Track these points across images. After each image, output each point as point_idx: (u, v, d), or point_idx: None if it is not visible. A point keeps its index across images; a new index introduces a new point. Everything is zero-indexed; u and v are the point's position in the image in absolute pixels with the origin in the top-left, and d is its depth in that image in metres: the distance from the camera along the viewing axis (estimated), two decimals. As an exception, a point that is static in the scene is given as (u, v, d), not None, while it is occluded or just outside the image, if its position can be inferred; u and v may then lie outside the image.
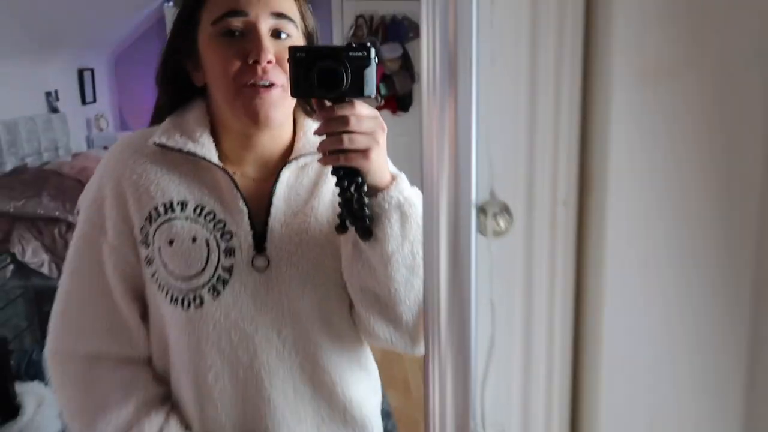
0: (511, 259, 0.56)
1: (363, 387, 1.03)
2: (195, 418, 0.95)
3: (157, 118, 1.02)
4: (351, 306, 0.98)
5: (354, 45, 0.80)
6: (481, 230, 0.55)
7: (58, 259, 3.55)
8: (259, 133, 0.96)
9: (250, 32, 0.91)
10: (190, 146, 0.95)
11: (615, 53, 0.52)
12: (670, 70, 0.54)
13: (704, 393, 0.63)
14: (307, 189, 0.98)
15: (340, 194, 0.85)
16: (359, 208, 0.85)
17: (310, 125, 1.00)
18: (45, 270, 3.46)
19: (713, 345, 0.62)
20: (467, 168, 0.54)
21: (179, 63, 0.99)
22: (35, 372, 2.94)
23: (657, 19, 0.52)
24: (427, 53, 0.52)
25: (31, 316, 3.47)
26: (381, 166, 0.84)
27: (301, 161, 0.98)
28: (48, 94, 4.74)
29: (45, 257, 3.50)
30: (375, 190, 0.85)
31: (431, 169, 0.55)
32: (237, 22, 0.91)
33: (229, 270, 0.92)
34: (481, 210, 0.54)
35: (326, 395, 0.98)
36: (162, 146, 0.96)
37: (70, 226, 3.67)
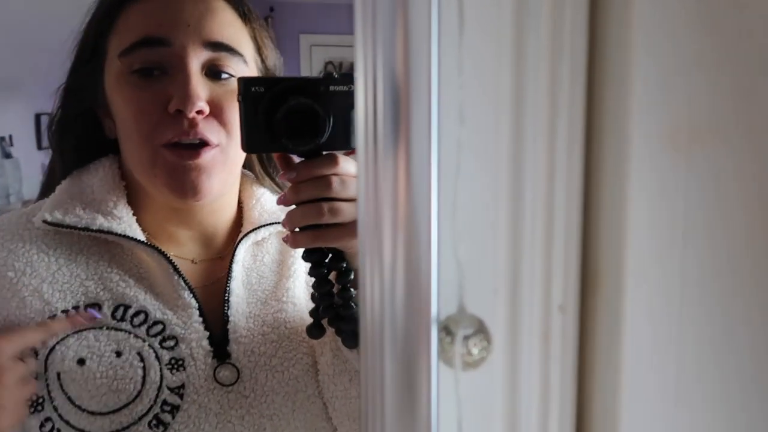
0: (489, 398, 0.39)
1: None
2: None
3: (48, 189, 0.75)
4: None
5: (336, 76, 0.56)
6: (446, 360, 0.38)
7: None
8: (192, 207, 0.73)
9: (174, 69, 0.67)
10: (101, 222, 0.69)
11: (633, 112, 0.37)
12: (706, 132, 0.39)
13: None
14: (273, 269, 0.75)
15: (316, 286, 0.63)
16: (343, 305, 0.62)
17: (264, 190, 0.80)
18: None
19: None
20: (425, 268, 0.37)
21: (83, 108, 0.75)
22: None
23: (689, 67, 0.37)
24: (365, 97, 0.35)
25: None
26: None
27: (258, 234, 0.75)
28: (2, 139, 4.51)
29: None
30: None
31: (371, 261, 0.38)
32: (154, 55, 0.67)
33: (178, 391, 0.66)
34: (445, 330, 0.38)
35: None
36: (56, 225, 0.69)
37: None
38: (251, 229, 0.75)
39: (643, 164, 0.39)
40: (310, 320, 0.66)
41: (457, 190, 0.38)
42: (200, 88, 0.66)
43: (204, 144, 0.67)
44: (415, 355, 0.37)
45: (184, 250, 0.75)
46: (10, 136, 4.59)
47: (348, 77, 0.57)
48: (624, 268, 0.44)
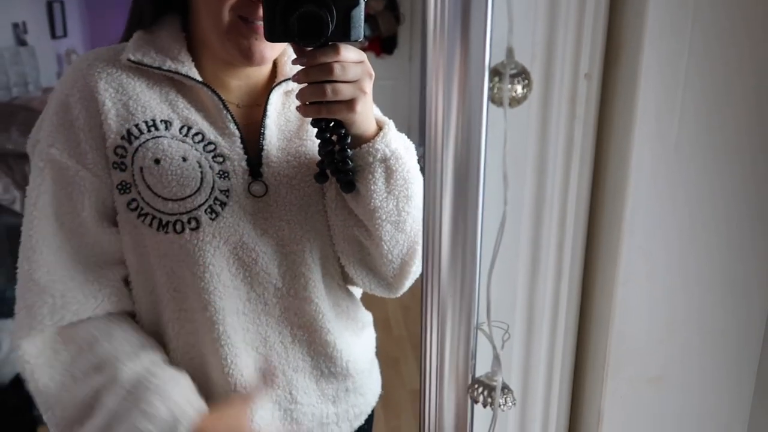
0: (524, 133, 0.49)
1: (358, 338, 0.96)
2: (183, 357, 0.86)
3: (128, 33, 0.87)
4: None
5: None
6: (494, 98, 0.48)
7: (26, 195, 3.43)
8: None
9: None
10: (170, 64, 0.83)
11: None
12: None
13: (723, 288, 0.58)
14: (297, 115, 0.88)
15: (321, 146, 0.77)
16: (341, 161, 0.76)
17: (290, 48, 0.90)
18: (17, 207, 3.34)
19: (737, 229, 0.57)
20: (481, 17, 0.46)
21: None
22: (9, 309, 2.86)
23: None
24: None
25: (3, 254, 3.36)
26: (367, 117, 0.76)
27: (285, 86, 0.88)
28: (15, 25, 4.49)
29: (17, 194, 3.37)
30: (359, 141, 0.77)
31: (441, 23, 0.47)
32: None
33: (226, 193, 0.82)
34: (495, 72, 0.47)
35: (320, 342, 0.90)
36: (137, 63, 0.83)
37: (42, 163, 3.54)
38: (283, 79, 0.85)
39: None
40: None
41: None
42: None
43: None
44: (472, 92, 0.47)
45: (231, 95, 0.88)
46: (24, 23, 4.56)
47: None
48: (642, 43, 0.53)
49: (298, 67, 0.75)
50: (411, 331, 3.06)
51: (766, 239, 0.57)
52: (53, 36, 5.05)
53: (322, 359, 0.91)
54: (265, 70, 0.89)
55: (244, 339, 0.85)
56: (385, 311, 3.15)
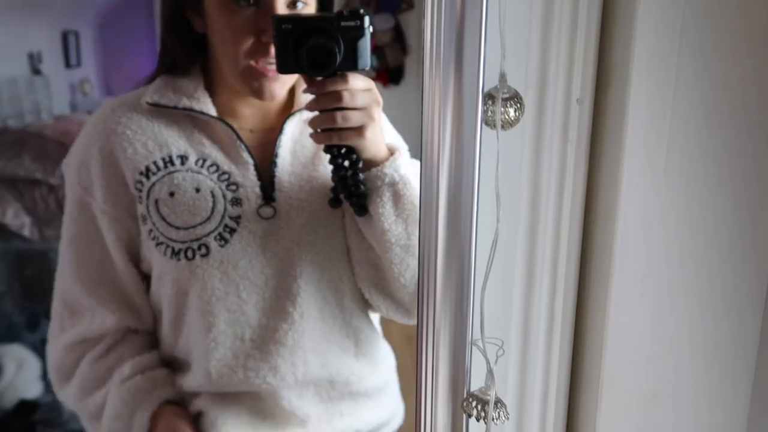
0: (518, 153, 0.51)
1: (377, 356, 0.97)
2: (203, 378, 0.89)
3: (163, 64, 0.93)
4: None
5: (346, 14, 0.73)
6: (488, 121, 0.50)
7: (39, 222, 3.47)
8: None
9: (265, 4, 0.81)
10: (185, 102, 0.89)
11: None
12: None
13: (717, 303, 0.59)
14: (313, 143, 0.89)
15: (334, 171, 0.81)
16: (354, 185, 0.80)
17: None
18: (26, 233, 3.38)
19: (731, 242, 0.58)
20: (475, 44, 0.48)
21: (179, 6, 0.89)
22: (15, 335, 2.88)
23: None
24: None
25: (11, 279, 3.39)
26: (376, 142, 0.79)
27: (304, 114, 0.91)
28: (30, 55, 4.60)
29: (26, 220, 3.42)
30: (370, 166, 0.81)
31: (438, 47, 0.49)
32: None
33: (236, 219, 0.87)
34: (488, 96, 0.50)
35: (338, 361, 0.92)
36: (156, 105, 0.90)
37: (52, 189, 3.59)
38: (300, 108, 0.89)
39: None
40: None
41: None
42: None
43: None
44: (465, 115, 0.49)
45: (246, 122, 0.92)
46: (39, 53, 4.68)
47: (355, 14, 0.73)
48: (630, 69, 0.55)
49: (311, 96, 0.78)
50: (415, 360, 3.04)
51: (754, 260, 0.58)
52: (67, 65, 5.17)
53: (329, 383, 0.92)
54: (281, 98, 0.94)
55: (245, 366, 0.87)
56: (390, 342, 3.16)
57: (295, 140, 0.92)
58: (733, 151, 0.57)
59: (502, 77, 0.49)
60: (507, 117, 0.50)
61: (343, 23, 0.72)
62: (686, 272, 0.58)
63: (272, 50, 0.79)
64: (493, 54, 0.50)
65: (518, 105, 0.50)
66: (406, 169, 0.82)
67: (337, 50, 0.72)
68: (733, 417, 0.61)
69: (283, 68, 0.75)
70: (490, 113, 0.50)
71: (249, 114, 0.92)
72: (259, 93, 0.85)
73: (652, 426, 0.60)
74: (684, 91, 0.55)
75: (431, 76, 0.49)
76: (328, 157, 0.83)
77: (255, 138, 0.92)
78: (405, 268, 0.83)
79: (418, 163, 0.87)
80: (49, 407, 2.59)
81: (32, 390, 2.69)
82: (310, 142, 0.91)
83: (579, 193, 0.58)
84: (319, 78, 0.75)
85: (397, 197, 0.80)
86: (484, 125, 0.50)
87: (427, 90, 0.49)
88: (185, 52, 0.90)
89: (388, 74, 5.58)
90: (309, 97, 0.81)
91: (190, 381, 0.89)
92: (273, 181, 0.88)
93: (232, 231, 0.86)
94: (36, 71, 4.59)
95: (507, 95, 0.49)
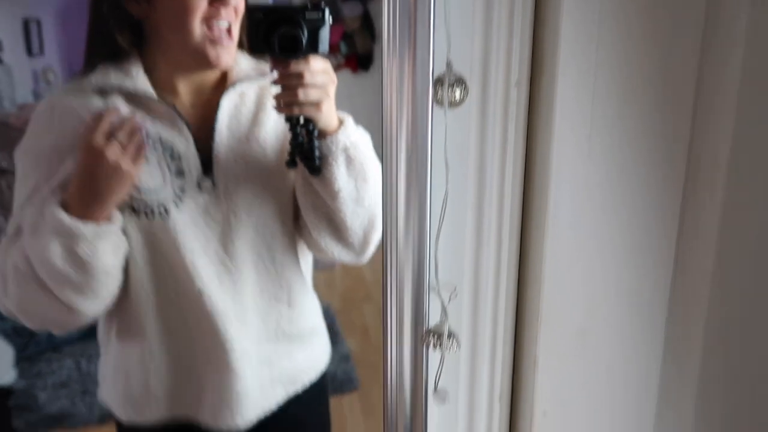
0: (465, 132, 0.61)
1: (306, 303, 1.10)
2: (157, 341, 1.00)
3: (96, 54, 1.00)
4: (292, 231, 1.05)
5: (309, 7, 0.86)
6: (438, 101, 0.60)
7: (5, 211, 3.47)
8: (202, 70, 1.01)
9: None
10: (128, 84, 0.97)
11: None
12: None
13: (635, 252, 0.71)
14: (248, 118, 1.02)
15: (293, 139, 0.93)
16: (309, 150, 0.93)
17: (241, 54, 1.04)
18: (-9, 218, 3.38)
19: (648, 206, 0.69)
20: (425, 37, 0.58)
21: None
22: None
23: None
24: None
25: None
26: (330, 114, 0.91)
27: (238, 89, 1.02)
28: (-10, 43, 4.53)
29: (-11, 205, 3.42)
30: (324, 134, 0.91)
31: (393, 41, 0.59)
32: None
33: (182, 189, 0.98)
34: (438, 81, 0.59)
35: (273, 309, 1.04)
36: (101, 89, 0.97)
37: (19, 179, 3.58)
38: (233, 83, 0.99)
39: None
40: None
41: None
42: None
43: (229, 26, 0.91)
44: (418, 99, 0.59)
45: (184, 99, 1.00)
46: (0, 42, 4.61)
47: (317, 7, 0.86)
48: (558, 58, 0.66)
49: (246, 71, 0.92)
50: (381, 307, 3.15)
51: (663, 215, 0.70)
52: (30, 54, 5.10)
53: (272, 324, 1.06)
54: (214, 73, 1.04)
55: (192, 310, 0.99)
56: (363, 319, 3.26)
57: (231, 116, 1.03)
58: (645, 126, 0.68)
59: (449, 64, 0.59)
60: (453, 98, 0.60)
61: (307, 15, 0.86)
62: (609, 226, 0.69)
63: (223, 12, 0.92)
64: (442, 44, 0.60)
65: (463, 87, 0.60)
66: (355, 135, 0.94)
67: (302, 37, 0.85)
68: (649, 350, 0.73)
69: (255, 49, 0.89)
70: (439, 95, 0.60)
71: (186, 91, 1.02)
72: (216, 60, 0.95)
73: (583, 356, 0.71)
74: (603, 76, 0.66)
75: (389, 63, 0.58)
76: (260, 133, 0.98)
77: (194, 114, 1.02)
78: (356, 217, 0.96)
79: (361, 128, 0.99)
80: (23, 393, 2.63)
81: (5, 377, 2.73)
82: (245, 119, 1.02)
83: (519, 161, 0.69)
84: (285, 60, 0.87)
85: (349, 160, 0.93)
86: (435, 105, 0.60)
87: (385, 76, 0.58)
88: (127, 39, 0.98)
89: (357, 60, 5.65)
90: (241, 73, 0.98)
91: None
92: (211, 156, 0.99)
93: (180, 199, 0.97)
94: (-3, 60, 4.52)
95: (453, 80, 0.59)
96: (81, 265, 0.88)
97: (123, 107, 0.97)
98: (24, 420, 2.55)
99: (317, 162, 0.92)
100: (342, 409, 2.58)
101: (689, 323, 0.72)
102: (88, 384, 2.72)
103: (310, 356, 1.13)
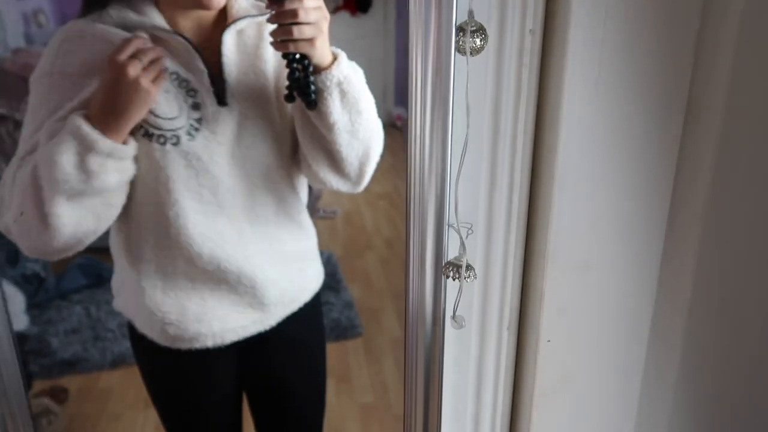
0: (483, 77, 0.65)
1: (303, 228, 1.17)
2: (152, 259, 1.06)
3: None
4: (289, 163, 1.12)
5: None
6: (460, 49, 0.64)
7: (6, 158, 3.47)
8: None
9: None
10: (144, 19, 1.01)
11: None
12: None
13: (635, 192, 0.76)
14: (250, 52, 1.07)
15: (289, 74, 0.97)
16: (305, 85, 0.96)
17: None
18: (-7, 167, 3.40)
19: (649, 147, 0.74)
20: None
21: None
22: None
23: None
24: None
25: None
26: (324, 50, 0.95)
27: (238, 25, 1.06)
28: (-21, -15, 4.41)
29: (-9, 154, 3.42)
30: (318, 70, 0.95)
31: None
32: None
33: (198, 121, 1.02)
34: (459, 29, 0.63)
35: (272, 233, 1.11)
36: (120, 23, 1.01)
37: (18, 125, 3.56)
38: (234, 20, 1.05)
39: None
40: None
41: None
42: None
43: None
44: (442, 46, 0.63)
45: (189, 35, 1.04)
46: (-12, -17, 4.48)
47: None
48: (570, 7, 0.69)
49: (246, 8, 0.96)
50: (390, 283, 3.23)
51: (664, 156, 0.75)
52: (18, -5, 4.96)
53: (277, 243, 1.11)
54: (214, 12, 1.07)
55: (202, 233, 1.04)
56: (365, 266, 3.33)
57: (233, 51, 1.06)
58: (648, 71, 0.72)
59: (470, 14, 0.63)
60: (474, 45, 0.63)
61: None
62: (613, 166, 0.74)
63: None
64: (463, -6, 0.63)
65: (483, 36, 0.63)
66: (348, 70, 0.98)
67: None
68: (645, 285, 0.79)
69: None
70: (461, 42, 0.63)
71: (189, 27, 1.05)
72: (209, 2, 0.99)
73: (585, 289, 0.78)
74: (611, 26, 0.69)
75: (416, 12, 0.62)
76: (262, 66, 1.02)
77: (202, 50, 1.05)
78: (351, 149, 1.01)
79: (354, 63, 1.03)
80: (37, 338, 2.71)
81: (19, 323, 2.80)
82: (247, 53, 1.06)
83: (531, 105, 0.73)
84: None
85: (343, 93, 0.97)
86: (456, 52, 0.64)
87: (413, 24, 0.62)
88: None
89: (356, 3, 5.56)
90: (241, 11, 1.02)
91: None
92: (224, 88, 1.03)
93: (197, 130, 1.02)
94: (-14, 2, 4.41)
95: (474, 27, 0.63)
96: (85, 171, 0.93)
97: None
98: (39, 364, 2.65)
99: (313, 96, 0.96)
100: (347, 354, 2.67)
101: (682, 261, 0.78)
102: (99, 330, 2.80)
103: (306, 277, 1.21)
